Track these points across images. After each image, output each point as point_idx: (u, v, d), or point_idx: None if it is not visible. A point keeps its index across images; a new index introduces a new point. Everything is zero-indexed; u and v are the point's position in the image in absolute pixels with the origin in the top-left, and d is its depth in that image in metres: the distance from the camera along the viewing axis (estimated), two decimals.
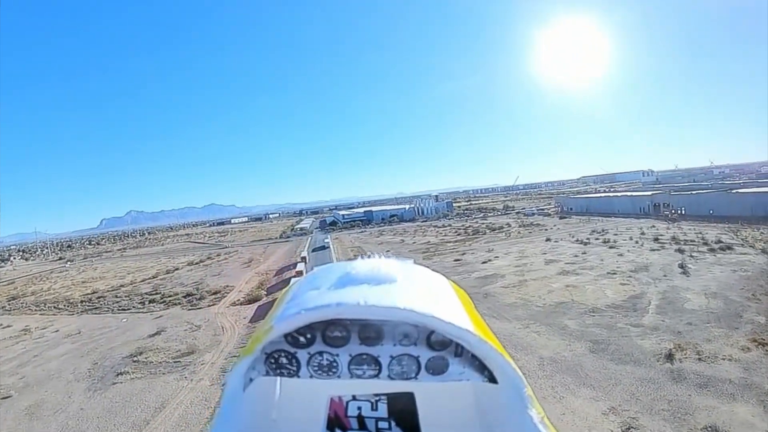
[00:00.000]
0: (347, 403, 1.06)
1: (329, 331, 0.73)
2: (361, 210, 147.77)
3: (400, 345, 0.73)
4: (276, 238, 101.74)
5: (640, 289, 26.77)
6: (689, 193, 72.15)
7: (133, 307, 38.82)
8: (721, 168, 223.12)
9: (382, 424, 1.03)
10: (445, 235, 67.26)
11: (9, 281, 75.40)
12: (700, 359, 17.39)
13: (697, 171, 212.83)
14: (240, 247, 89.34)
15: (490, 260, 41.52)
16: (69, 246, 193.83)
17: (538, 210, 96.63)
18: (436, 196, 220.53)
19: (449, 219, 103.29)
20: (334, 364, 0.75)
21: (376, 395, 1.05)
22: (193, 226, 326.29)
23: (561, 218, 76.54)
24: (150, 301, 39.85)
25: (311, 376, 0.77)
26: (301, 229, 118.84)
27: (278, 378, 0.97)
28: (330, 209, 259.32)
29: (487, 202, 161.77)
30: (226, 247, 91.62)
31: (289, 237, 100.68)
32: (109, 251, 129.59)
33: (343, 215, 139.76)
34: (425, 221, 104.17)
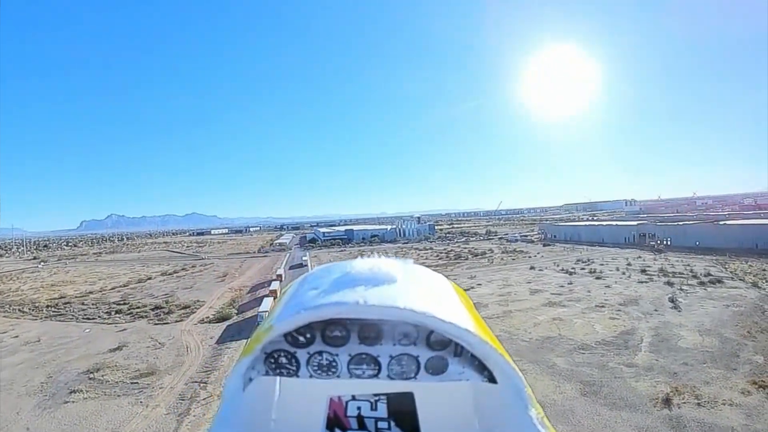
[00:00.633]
0: (347, 402, 1.07)
1: (329, 331, 0.75)
2: (342, 228, 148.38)
3: (400, 345, 0.75)
4: (254, 252, 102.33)
5: (630, 325, 26.21)
6: (675, 224, 73.84)
7: (99, 316, 38.48)
8: (704, 199, 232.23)
9: (382, 424, 1.05)
10: (426, 259, 67.05)
11: None
12: (699, 404, 16.66)
13: (680, 201, 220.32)
14: (217, 259, 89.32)
15: (472, 287, 40.66)
16: (45, 246, 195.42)
17: (521, 236, 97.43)
18: (419, 217, 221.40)
19: (431, 242, 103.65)
20: (334, 364, 0.77)
21: (376, 395, 1.06)
22: (173, 234, 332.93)
23: (545, 245, 77.14)
24: (116, 312, 39.50)
25: (311, 376, 0.78)
26: (280, 244, 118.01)
27: (278, 378, 0.99)
28: (311, 226, 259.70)
29: (470, 226, 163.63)
30: (203, 259, 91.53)
31: (267, 252, 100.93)
32: (85, 254, 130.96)
33: (323, 233, 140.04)
34: (407, 243, 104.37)
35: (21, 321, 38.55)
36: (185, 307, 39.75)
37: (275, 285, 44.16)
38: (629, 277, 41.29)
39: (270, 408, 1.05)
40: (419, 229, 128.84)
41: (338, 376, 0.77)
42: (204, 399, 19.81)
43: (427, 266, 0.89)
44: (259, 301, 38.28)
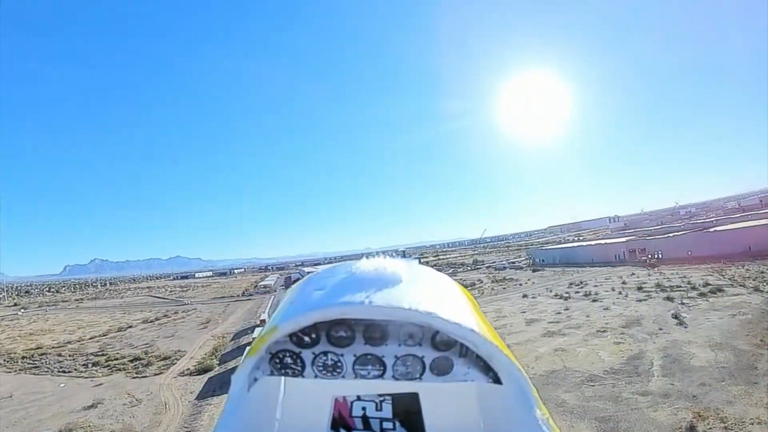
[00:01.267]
0: (352, 403, 1.11)
1: (334, 331, 0.76)
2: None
3: (405, 345, 0.77)
4: (238, 295, 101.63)
5: (637, 348, 25.36)
6: (665, 236, 74.79)
7: (75, 369, 38.37)
8: (687, 207, 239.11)
9: (387, 425, 1.09)
10: None
11: None
12: (726, 428, 15.76)
13: (663, 212, 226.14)
14: (200, 304, 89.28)
15: None
16: (27, 291, 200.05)
17: (509, 263, 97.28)
18: (404, 251, 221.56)
19: None
20: (339, 364, 0.79)
21: (381, 395, 1.11)
22: (157, 278, 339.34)
23: (534, 271, 76.88)
24: (93, 364, 39.44)
25: (316, 376, 0.81)
26: (265, 286, 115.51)
27: (283, 378, 1.03)
28: (296, 265, 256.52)
29: (456, 257, 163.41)
30: (186, 304, 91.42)
31: (251, 295, 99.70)
32: (67, 300, 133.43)
33: (308, 272, 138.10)
34: None
35: None
36: (165, 358, 39.08)
37: (258, 332, 42.61)
38: (626, 296, 40.87)
39: (275, 408, 1.09)
40: None
41: (343, 377, 0.79)
42: None
43: None
44: (242, 349, 37.75)
